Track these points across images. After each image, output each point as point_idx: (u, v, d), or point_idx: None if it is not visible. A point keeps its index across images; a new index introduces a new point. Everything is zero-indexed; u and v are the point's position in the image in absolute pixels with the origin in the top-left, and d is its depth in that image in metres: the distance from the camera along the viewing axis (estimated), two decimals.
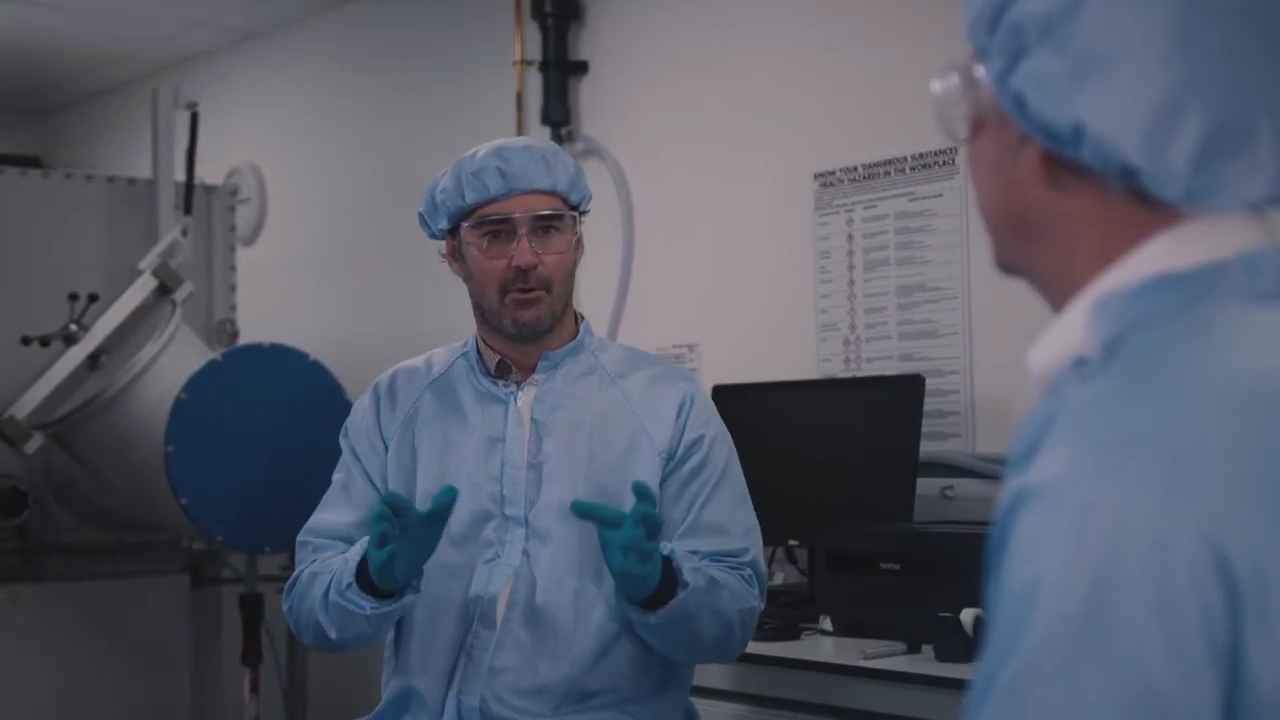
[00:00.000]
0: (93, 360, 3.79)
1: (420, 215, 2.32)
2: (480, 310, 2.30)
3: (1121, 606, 0.89)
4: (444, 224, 2.28)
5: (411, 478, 2.29)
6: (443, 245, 2.32)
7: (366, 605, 2.12)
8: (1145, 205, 1.03)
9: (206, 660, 4.19)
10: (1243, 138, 1.01)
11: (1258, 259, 1.02)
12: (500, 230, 2.23)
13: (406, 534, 2.06)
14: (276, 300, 4.84)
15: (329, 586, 2.17)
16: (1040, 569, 0.92)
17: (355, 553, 2.15)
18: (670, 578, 2.08)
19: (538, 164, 2.23)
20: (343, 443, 2.37)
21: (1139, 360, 0.99)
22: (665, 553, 2.09)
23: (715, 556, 2.24)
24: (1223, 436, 0.93)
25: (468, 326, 2.39)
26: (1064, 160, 1.04)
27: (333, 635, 2.19)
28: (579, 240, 2.31)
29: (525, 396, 2.29)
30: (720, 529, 2.26)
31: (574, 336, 2.33)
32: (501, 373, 2.31)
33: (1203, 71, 1.00)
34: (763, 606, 2.29)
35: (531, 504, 2.24)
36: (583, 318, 2.37)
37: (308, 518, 3.65)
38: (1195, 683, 0.88)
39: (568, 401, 2.29)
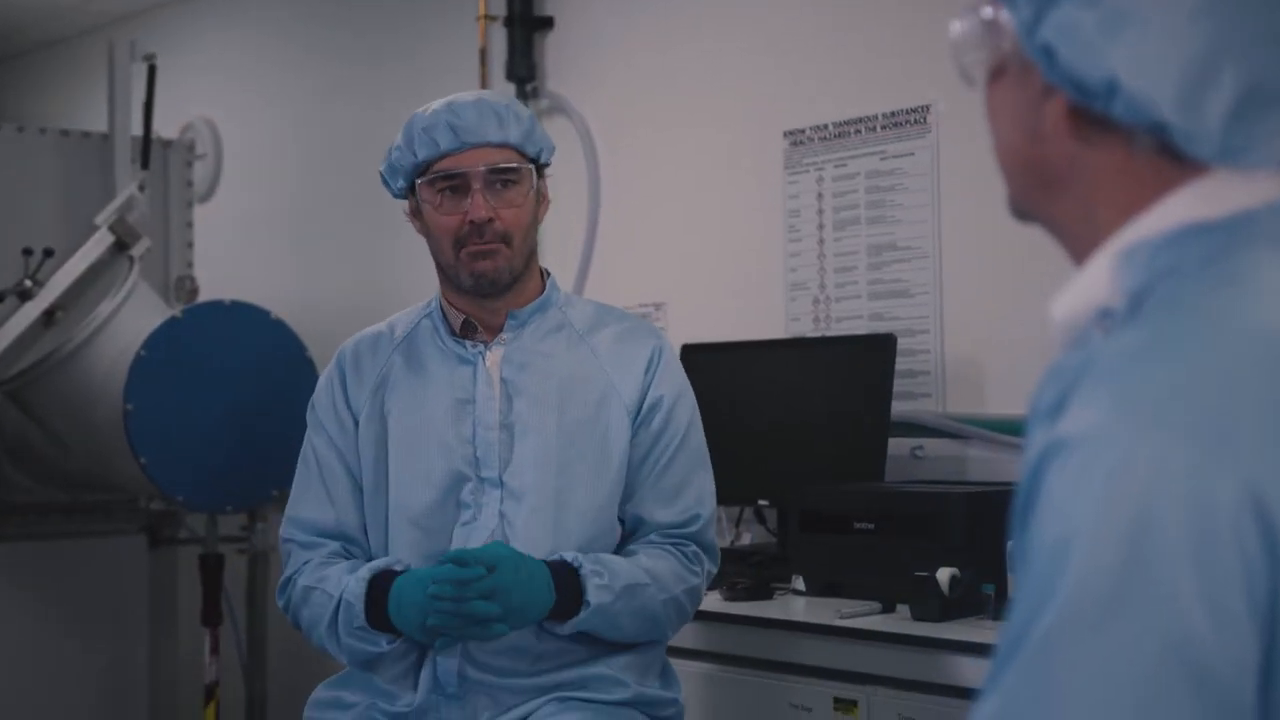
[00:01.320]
0: (48, 316, 3.72)
1: (381, 175, 2.29)
2: (440, 268, 2.27)
3: (1159, 556, 0.87)
4: (401, 183, 2.26)
5: (383, 446, 2.26)
6: (406, 205, 2.30)
7: (384, 641, 2.17)
8: (1172, 158, 1.02)
9: (163, 621, 4.15)
10: (1275, 95, 1.00)
11: None
12: (454, 186, 2.20)
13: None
14: (233, 258, 4.77)
15: (335, 622, 2.17)
16: (1076, 521, 0.90)
17: (355, 590, 2.15)
18: (576, 590, 2.12)
19: (488, 117, 2.20)
20: (310, 418, 2.33)
21: (1170, 311, 0.97)
22: (573, 563, 2.13)
23: (664, 529, 2.26)
24: (1259, 387, 0.92)
25: (429, 283, 2.36)
26: (1091, 113, 1.02)
27: (345, 659, 2.24)
28: (541, 194, 2.28)
29: (493, 356, 2.27)
30: (677, 494, 2.27)
31: (540, 293, 2.30)
32: (467, 332, 2.28)
33: (1234, 28, 0.99)
34: (714, 570, 2.32)
35: (505, 464, 2.22)
36: (549, 274, 2.34)
37: (269, 476, 3.64)
38: (1233, 634, 0.87)
39: (536, 359, 2.27)
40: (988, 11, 1.09)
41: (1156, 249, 1.01)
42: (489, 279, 2.21)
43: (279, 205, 4.83)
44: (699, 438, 2.32)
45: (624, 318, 2.37)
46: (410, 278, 4.07)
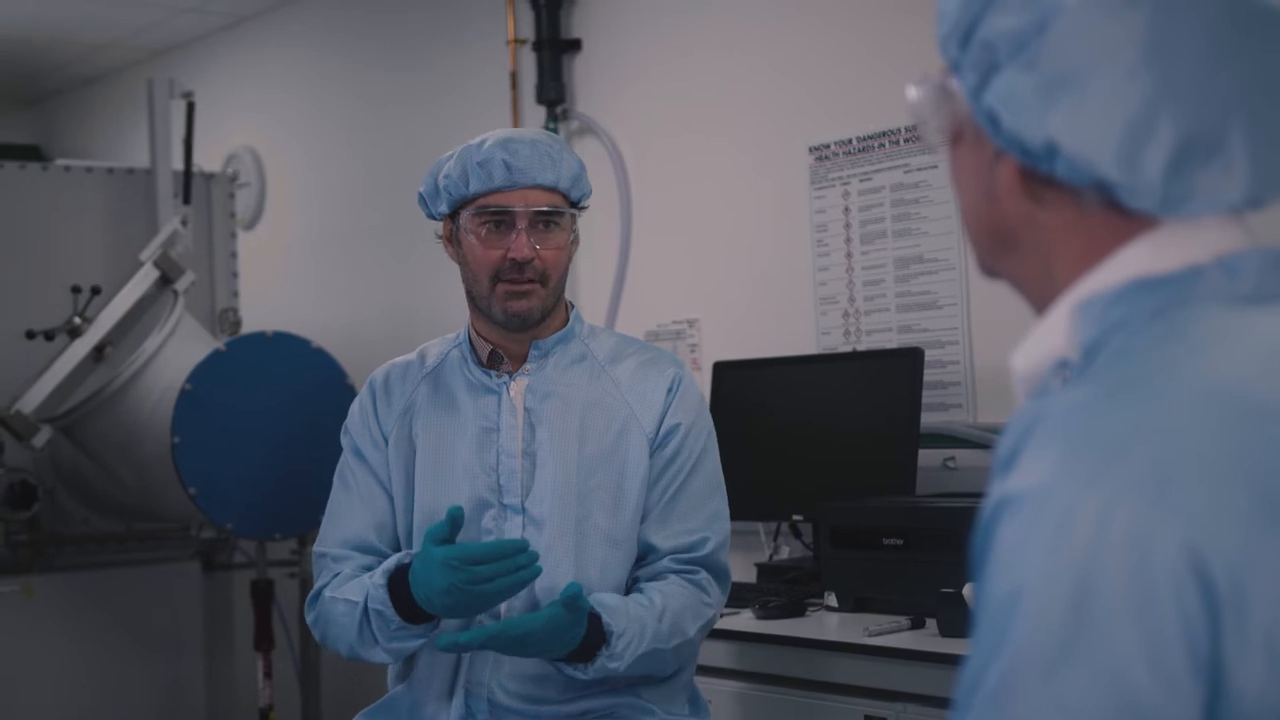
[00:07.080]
0: (97, 352, 3.81)
1: (420, 195, 2.35)
2: (472, 297, 2.32)
3: (1103, 614, 0.90)
4: (444, 208, 2.31)
5: (410, 470, 2.32)
6: (440, 226, 2.35)
7: (421, 632, 2.18)
8: (1121, 213, 1.04)
9: (219, 645, 4.23)
10: (1214, 143, 1.01)
11: (1235, 262, 1.03)
12: (500, 221, 2.26)
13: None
14: (277, 285, 4.86)
15: (367, 629, 2.19)
16: (1022, 577, 0.93)
17: (379, 596, 2.16)
18: (597, 635, 2.12)
19: (543, 159, 2.25)
20: (344, 441, 2.39)
21: (1118, 365, 1.00)
22: (605, 632, 2.12)
23: (673, 554, 2.28)
24: (1202, 444, 0.94)
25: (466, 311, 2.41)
26: (1040, 174, 1.05)
27: (389, 660, 2.26)
28: (575, 236, 2.33)
29: (517, 386, 2.32)
30: (687, 517, 2.30)
31: (563, 324, 2.35)
32: (494, 363, 2.33)
33: (1173, 81, 1.01)
34: (724, 598, 2.32)
35: (527, 491, 2.27)
36: (573, 306, 2.39)
37: (316, 503, 3.69)
38: (1176, 691, 0.89)
39: (558, 390, 2.31)
40: (941, 79, 1.12)
41: (1108, 303, 1.04)
42: (521, 317, 2.27)
43: (321, 232, 4.91)
44: (713, 465, 2.35)
45: (646, 349, 2.41)
46: (447, 304, 4.13)
